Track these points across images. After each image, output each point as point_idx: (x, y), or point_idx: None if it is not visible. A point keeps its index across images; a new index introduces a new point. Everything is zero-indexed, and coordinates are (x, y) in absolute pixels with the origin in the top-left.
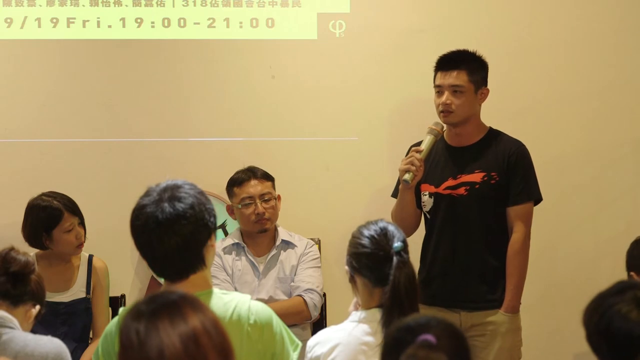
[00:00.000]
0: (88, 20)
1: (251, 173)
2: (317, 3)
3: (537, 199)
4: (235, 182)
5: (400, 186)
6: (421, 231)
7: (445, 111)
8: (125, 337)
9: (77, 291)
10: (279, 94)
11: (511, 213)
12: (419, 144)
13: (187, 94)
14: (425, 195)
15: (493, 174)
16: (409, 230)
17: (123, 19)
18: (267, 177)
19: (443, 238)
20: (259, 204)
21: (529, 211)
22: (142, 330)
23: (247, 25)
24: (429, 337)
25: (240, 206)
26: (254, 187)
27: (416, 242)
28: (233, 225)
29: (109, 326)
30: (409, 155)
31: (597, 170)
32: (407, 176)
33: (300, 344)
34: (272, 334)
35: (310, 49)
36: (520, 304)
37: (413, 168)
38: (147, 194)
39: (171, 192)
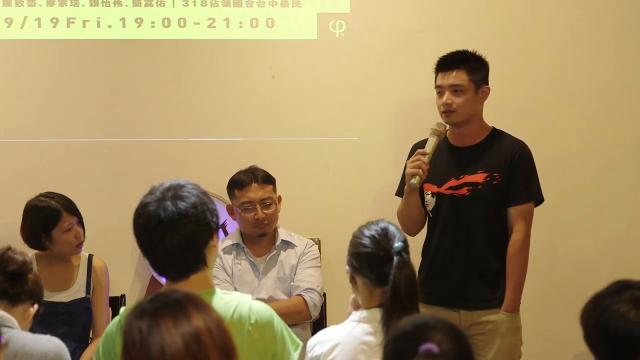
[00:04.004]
0: (88, 20)
1: (252, 176)
2: (317, 3)
3: (539, 200)
4: (237, 185)
5: (406, 188)
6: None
7: (446, 111)
8: (128, 335)
9: (77, 291)
10: (279, 94)
11: (512, 213)
12: (420, 143)
13: (187, 94)
14: (428, 194)
15: (496, 174)
16: (416, 228)
17: (123, 19)
18: (268, 180)
19: (445, 237)
20: (258, 210)
21: (530, 211)
22: (144, 329)
23: (247, 25)
24: (431, 347)
25: (240, 210)
26: (255, 192)
27: (415, 241)
28: (233, 225)
29: (110, 326)
30: (415, 159)
31: (597, 170)
32: (414, 180)
33: (301, 343)
34: (273, 334)
35: (310, 49)
36: (520, 303)
37: (420, 172)
38: (150, 192)
39: (174, 192)
